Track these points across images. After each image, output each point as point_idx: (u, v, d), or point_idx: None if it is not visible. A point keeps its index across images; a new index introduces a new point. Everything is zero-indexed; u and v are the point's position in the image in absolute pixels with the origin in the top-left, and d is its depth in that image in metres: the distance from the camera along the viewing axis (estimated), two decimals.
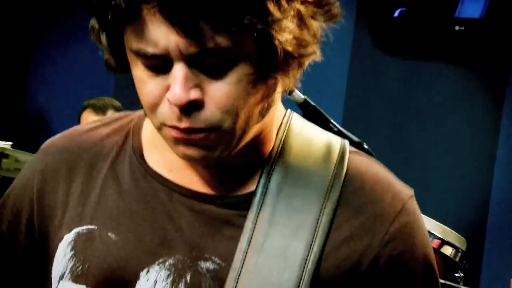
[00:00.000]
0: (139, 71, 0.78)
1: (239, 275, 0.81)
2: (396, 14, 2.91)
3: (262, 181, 0.85)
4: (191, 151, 0.79)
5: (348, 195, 0.85)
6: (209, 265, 0.82)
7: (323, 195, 0.84)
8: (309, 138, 0.89)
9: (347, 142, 0.90)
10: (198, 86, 0.75)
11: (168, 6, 0.70)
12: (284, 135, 0.88)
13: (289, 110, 0.92)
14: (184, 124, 0.76)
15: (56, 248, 0.89)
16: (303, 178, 0.85)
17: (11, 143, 2.52)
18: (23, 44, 4.44)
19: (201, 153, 0.79)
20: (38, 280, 0.93)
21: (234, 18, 0.71)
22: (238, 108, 0.76)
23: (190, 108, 0.75)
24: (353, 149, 0.91)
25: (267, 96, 0.79)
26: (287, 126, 0.89)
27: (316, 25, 0.78)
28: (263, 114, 0.80)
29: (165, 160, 0.87)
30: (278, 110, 0.88)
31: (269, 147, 0.87)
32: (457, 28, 2.81)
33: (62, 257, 0.88)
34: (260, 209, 0.83)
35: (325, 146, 0.88)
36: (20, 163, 2.56)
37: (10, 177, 2.57)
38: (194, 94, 0.74)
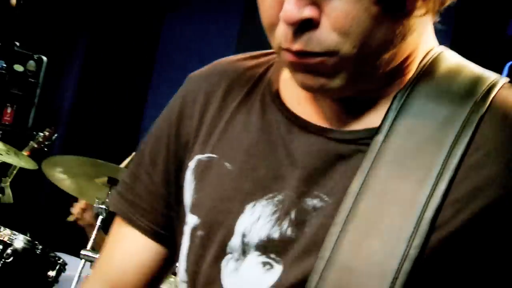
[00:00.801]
0: None
1: (347, 219, 0.72)
2: None
3: (390, 116, 0.75)
4: (308, 79, 0.72)
5: (485, 135, 0.71)
6: (316, 202, 0.75)
7: (453, 135, 0.71)
8: (456, 72, 0.77)
9: (504, 79, 0.76)
10: (315, 3, 0.66)
11: None
12: (423, 68, 0.77)
13: (442, 46, 0.81)
14: (296, 46, 0.69)
15: (185, 176, 0.87)
16: (437, 116, 0.73)
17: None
18: (143, 76, 4.88)
19: (319, 82, 0.72)
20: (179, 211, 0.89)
21: None
22: (358, 30, 0.67)
23: (303, 28, 0.67)
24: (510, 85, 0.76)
25: (398, 21, 0.68)
26: (430, 59, 0.78)
27: None
28: (393, 42, 0.69)
29: (296, 93, 0.81)
30: (425, 40, 0.77)
31: (404, 80, 0.77)
32: None
33: (188, 185, 0.86)
34: (381, 147, 0.73)
35: (471, 80, 0.75)
36: None
37: None
38: (309, 12, 0.66)
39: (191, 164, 0.86)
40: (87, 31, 4.71)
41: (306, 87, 0.74)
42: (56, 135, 3.64)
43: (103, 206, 2.62)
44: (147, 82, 4.96)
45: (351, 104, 0.77)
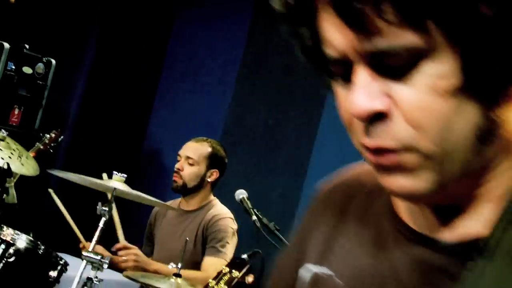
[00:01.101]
0: (334, 83, 0.66)
1: None
2: None
3: (498, 227, 0.63)
4: (392, 181, 0.63)
5: None
6: None
7: None
8: None
9: None
10: (385, 93, 0.60)
11: None
12: None
13: None
14: (372, 143, 0.62)
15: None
16: None
17: (125, 175, 2.76)
18: (151, 79, 4.93)
19: (403, 183, 0.63)
20: None
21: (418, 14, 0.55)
22: (434, 124, 0.58)
23: (375, 120, 0.60)
24: None
25: (484, 112, 0.59)
26: None
27: None
28: (481, 138, 0.60)
29: None
30: None
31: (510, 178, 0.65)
32: None
33: None
34: (485, 263, 0.62)
35: None
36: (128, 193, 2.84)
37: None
38: (379, 104, 0.59)
39: (307, 275, 0.80)
40: (95, 36, 4.76)
41: (391, 192, 0.66)
42: (62, 137, 3.68)
43: (106, 208, 2.61)
44: (154, 86, 5.00)
45: (453, 211, 0.68)
